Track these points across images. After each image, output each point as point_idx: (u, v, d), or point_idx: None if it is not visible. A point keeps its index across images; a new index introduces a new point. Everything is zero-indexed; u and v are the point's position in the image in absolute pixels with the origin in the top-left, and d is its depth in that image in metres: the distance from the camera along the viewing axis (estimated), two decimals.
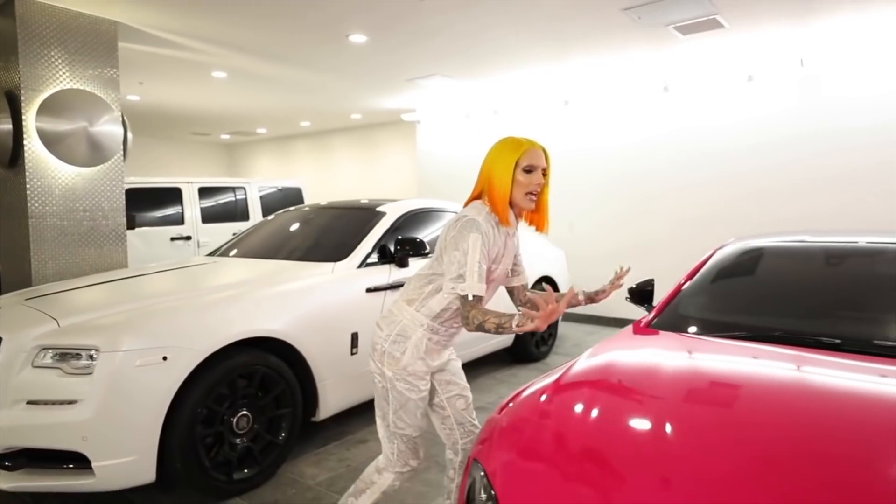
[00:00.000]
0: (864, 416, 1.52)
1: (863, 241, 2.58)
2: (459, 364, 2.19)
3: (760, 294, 2.53)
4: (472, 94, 7.37)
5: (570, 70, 6.23)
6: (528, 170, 1.87)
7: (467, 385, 2.16)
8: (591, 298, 2.10)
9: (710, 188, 6.19)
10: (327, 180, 10.93)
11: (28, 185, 4.16)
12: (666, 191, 6.48)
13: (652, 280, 2.83)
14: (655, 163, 6.53)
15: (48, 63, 4.24)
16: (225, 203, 7.13)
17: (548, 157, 1.93)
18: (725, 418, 1.58)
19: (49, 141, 4.20)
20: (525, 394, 1.92)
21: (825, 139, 5.52)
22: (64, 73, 4.32)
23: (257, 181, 7.53)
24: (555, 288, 5.29)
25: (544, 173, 1.90)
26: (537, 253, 5.14)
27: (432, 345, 1.96)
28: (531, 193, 1.88)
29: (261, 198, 7.48)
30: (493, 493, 1.48)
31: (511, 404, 1.88)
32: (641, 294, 2.81)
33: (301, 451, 3.26)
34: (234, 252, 4.11)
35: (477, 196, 1.96)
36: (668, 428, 1.51)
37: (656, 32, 4.84)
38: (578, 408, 1.69)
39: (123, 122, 4.66)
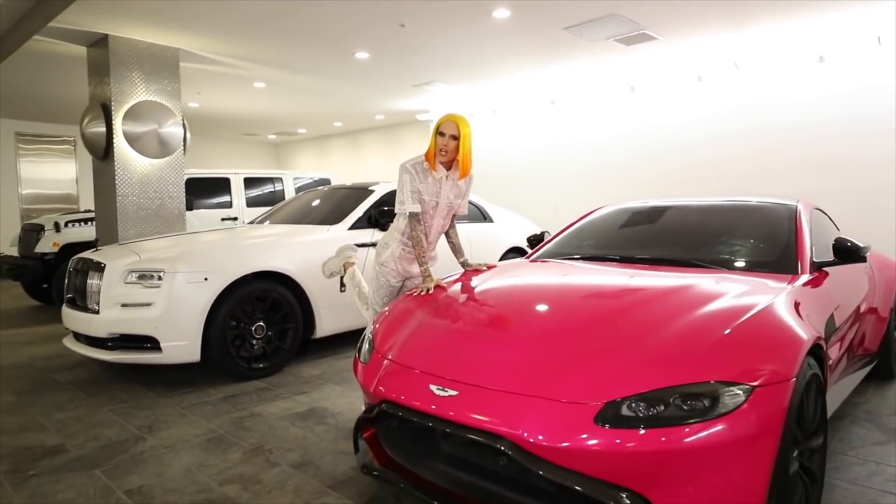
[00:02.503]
0: (638, 293, 2.53)
1: (682, 202, 3.59)
2: None
3: (609, 235, 3.60)
4: (474, 96, 8.51)
5: (553, 74, 7.28)
6: (441, 133, 2.88)
7: None
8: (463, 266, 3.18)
9: (672, 176, 7.10)
10: (358, 173, 12.31)
11: (116, 174, 5.63)
12: (635, 178, 7.42)
13: (546, 232, 3.91)
14: (627, 153, 7.49)
15: (130, 81, 5.70)
16: (266, 191, 8.56)
17: (460, 125, 2.84)
18: (547, 292, 2.69)
19: (131, 139, 5.66)
20: None
21: (762, 135, 6.39)
22: (141, 88, 5.77)
23: (292, 172, 8.95)
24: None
25: (455, 138, 2.86)
26: (511, 229, 6.22)
27: (406, 253, 3.03)
28: (440, 150, 2.89)
29: (297, 188, 8.88)
30: (371, 340, 2.57)
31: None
32: (537, 240, 3.90)
33: (303, 360, 4.52)
34: (267, 222, 5.43)
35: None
36: (505, 298, 2.62)
37: (603, 45, 5.85)
38: (445, 294, 2.81)
39: (184, 125, 6.08)
